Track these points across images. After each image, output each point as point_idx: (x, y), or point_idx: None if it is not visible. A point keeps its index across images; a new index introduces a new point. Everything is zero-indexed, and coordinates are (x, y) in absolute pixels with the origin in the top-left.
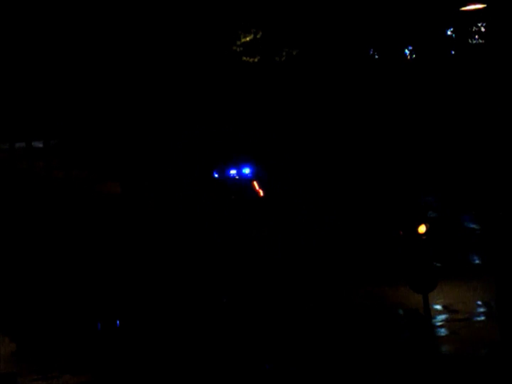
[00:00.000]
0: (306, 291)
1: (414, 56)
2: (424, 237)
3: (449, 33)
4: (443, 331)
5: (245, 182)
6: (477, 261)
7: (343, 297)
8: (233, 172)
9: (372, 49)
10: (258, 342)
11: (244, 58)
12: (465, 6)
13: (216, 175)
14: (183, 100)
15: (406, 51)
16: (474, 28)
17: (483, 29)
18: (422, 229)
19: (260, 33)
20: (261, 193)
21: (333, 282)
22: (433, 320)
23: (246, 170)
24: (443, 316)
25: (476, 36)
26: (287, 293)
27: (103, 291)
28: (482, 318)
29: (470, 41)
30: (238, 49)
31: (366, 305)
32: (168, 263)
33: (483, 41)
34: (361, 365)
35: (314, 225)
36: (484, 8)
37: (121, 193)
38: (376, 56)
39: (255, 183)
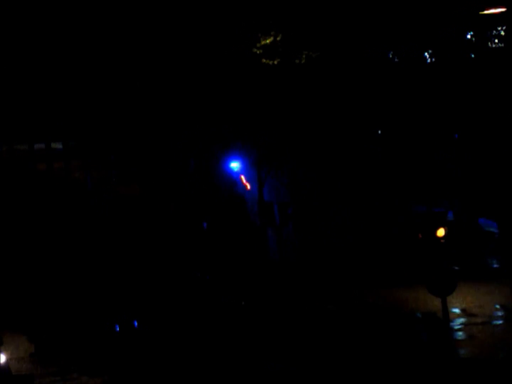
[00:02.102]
0: (324, 292)
1: (433, 59)
2: (442, 241)
3: (468, 36)
4: (461, 334)
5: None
6: (495, 265)
7: (361, 299)
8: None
9: (391, 52)
10: (277, 343)
11: (264, 60)
12: (484, 10)
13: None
14: (189, 101)
15: (426, 54)
16: (493, 32)
17: (502, 33)
18: (441, 232)
19: (280, 35)
20: (248, 186)
21: (351, 284)
22: (451, 324)
23: (234, 165)
24: (461, 320)
25: (496, 40)
26: (304, 294)
27: (121, 293)
28: (500, 321)
29: (489, 44)
30: (258, 52)
31: (384, 307)
32: (184, 264)
33: (502, 45)
34: (379, 367)
35: (332, 228)
36: (503, 11)
37: (139, 194)
38: (396, 59)
39: (242, 177)
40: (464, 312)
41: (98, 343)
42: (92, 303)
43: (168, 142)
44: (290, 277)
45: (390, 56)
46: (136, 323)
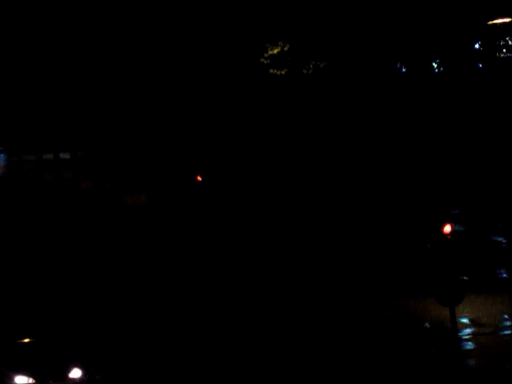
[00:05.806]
0: (329, 302)
1: (441, 69)
2: (449, 237)
3: (476, 46)
4: (469, 345)
5: None
6: (504, 275)
7: (367, 309)
8: None
9: (399, 62)
10: (279, 354)
11: (271, 70)
12: (492, 19)
13: None
14: (197, 110)
15: (434, 64)
16: (501, 42)
17: (510, 43)
18: (447, 228)
19: (288, 45)
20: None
21: (357, 293)
22: (460, 334)
23: None
24: (469, 330)
25: (504, 50)
26: (308, 303)
27: (126, 302)
28: (509, 331)
29: (497, 54)
30: (265, 62)
31: (391, 318)
32: (190, 274)
33: (510, 55)
34: (386, 379)
35: (338, 235)
36: (511, 21)
37: (147, 204)
38: (404, 69)
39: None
40: (473, 322)
41: (96, 348)
42: (95, 312)
43: (176, 152)
44: (294, 283)
45: (398, 65)
46: (135, 329)
